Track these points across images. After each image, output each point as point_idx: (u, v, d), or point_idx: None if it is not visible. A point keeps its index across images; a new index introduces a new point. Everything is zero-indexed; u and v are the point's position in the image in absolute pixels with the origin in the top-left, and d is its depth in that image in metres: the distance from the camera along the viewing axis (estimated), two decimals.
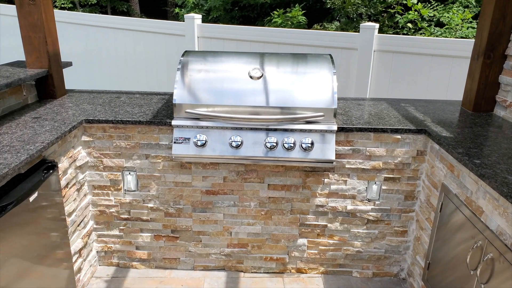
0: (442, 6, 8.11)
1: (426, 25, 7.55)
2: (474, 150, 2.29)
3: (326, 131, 2.69)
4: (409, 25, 7.61)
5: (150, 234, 3.08)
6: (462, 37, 7.16)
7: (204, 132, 2.73)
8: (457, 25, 7.72)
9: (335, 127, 2.69)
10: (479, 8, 8.47)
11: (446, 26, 7.71)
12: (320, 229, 3.02)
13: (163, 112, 2.94)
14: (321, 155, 2.70)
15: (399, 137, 2.74)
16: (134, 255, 3.15)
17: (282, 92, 2.73)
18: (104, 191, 2.97)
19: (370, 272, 3.12)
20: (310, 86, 2.74)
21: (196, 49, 5.84)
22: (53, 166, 2.33)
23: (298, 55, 2.97)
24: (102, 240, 3.11)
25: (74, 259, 2.74)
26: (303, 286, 3.04)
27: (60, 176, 2.51)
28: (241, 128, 2.72)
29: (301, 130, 2.70)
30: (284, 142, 2.69)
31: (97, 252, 3.14)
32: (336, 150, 2.77)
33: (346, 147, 2.79)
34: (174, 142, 2.73)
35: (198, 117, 2.73)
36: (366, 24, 4.70)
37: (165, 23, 6.12)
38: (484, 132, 2.62)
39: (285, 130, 2.71)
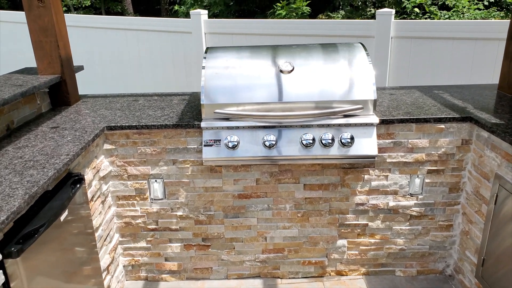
0: None
1: (434, 9, 7.37)
2: None
3: (366, 124, 2.51)
4: (416, 9, 7.43)
5: (179, 244, 2.91)
6: (470, 19, 6.98)
7: (235, 133, 2.55)
8: (464, 7, 7.55)
9: (376, 120, 2.51)
10: None
11: (454, 9, 7.54)
12: (361, 228, 2.85)
13: (188, 114, 2.75)
14: (363, 151, 2.52)
15: (443, 126, 2.57)
16: (163, 267, 2.98)
17: (315, 85, 2.55)
18: (129, 201, 2.79)
19: (414, 270, 2.96)
20: (345, 77, 2.56)
21: (204, 46, 5.64)
22: (80, 180, 2.15)
23: (327, 45, 2.79)
24: (129, 253, 2.93)
25: (103, 276, 2.56)
26: None
27: (86, 189, 2.32)
28: (274, 127, 2.54)
29: (339, 125, 2.53)
30: (321, 138, 2.51)
31: (123, 266, 2.96)
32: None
33: (387, 140, 2.62)
34: (204, 145, 2.55)
35: (228, 117, 2.55)
36: (382, 10, 4.51)
37: (170, 21, 5.92)
38: None
39: (322, 125, 2.53)
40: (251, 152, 2.53)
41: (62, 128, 2.51)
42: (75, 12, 14.26)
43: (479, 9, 7.49)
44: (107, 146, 2.64)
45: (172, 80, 6.24)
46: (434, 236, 2.86)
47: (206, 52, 2.77)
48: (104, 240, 2.63)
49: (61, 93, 2.93)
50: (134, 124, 2.57)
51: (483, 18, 7.03)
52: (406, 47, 4.50)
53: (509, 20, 3.98)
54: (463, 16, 7.25)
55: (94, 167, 2.48)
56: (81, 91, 3.24)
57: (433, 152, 2.64)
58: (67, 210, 1.96)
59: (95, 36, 6.94)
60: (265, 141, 2.52)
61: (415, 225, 2.83)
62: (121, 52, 6.66)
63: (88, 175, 2.38)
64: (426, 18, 7.65)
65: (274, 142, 2.51)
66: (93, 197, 2.45)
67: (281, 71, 2.58)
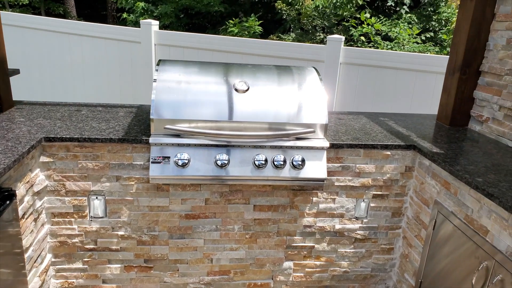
0: (389, 21, 8.46)
1: (378, 38, 7.81)
2: (471, 167, 2.26)
3: (317, 147, 2.55)
4: (362, 38, 7.82)
5: (119, 265, 2.73)
6: (410, 52, 7.48)
7: (186, 150, 2.46)
8: (404, 39, 8.09)
9: (327, 144, 2.55)
10: (421, 25, 8.99)
11: (395, 41, 8.05)
12: (307, 250, 2.86)
13: (135, 128, 2.62)
14: (313, 174, 2.54)
15: (389, 153, 2.67)
16: None
17: (270, 106, 2.55)
18: (66, 219, 2.58)
19: None
20: (298, 100, 2.58)
21: (153, 57, 5.49)
22: (10, 196, 1.94)
23: (282, 67, 2.82)
24: (62, 275, 2.70)
25: None
26: None
27: (17, 205, 2.11)
28: (227, 146, 2.49)
29: (291, 147, 2.53)
30: (274, 159, 2.50)
31: None
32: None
33: (335, 164, 2.67)
34: (152, 162, 2.43)
35: (179, 134, 2.46)
36: (332, 37, 4.69)
37: (119, 29, 5.69)
38: (470, 148, 2.63)
39: (274, 147, 2.52)
40: (202, 171, 2.46)
41: None
42: (10, 9, 13.35)
43: (417, 43, 8.06)
44: (44, 159, 2.43)
45: (117, 90, 5.99)
46: (376, 259, 2.94)
47: (158, 64, 2.68)
48: (34, 262, 2.39)
49: None
50: (76, 136, 2.40)
51: (420, 52, 7.56)
52: (353, 74, 4.69)
53: (446, 56, 4.30)
54: (403, 48, 7.74)
55: (28, 181, 2.27)
56: (15, 97, 2.98)
57: (378, 178, 2.73)
58: None
59: (34, 38, 6.49)
60: (217, 160, 2.46)
61: (359, 248, 2.89)
62: (63, 58, 6.28)
63: (20, 190, 2.16)
64: (370, 47, 8.08)
65: (226, 162, 2.46)
66: (24, 214, 2.23)
67: (236, 90, 2.56)
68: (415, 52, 7.43)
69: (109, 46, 5.80)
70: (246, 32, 7.35)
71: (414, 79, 4.45)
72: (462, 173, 2.17)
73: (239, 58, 5.14)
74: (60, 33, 6.15)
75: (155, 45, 5.47)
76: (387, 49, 7.62)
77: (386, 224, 2.86)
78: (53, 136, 2.38)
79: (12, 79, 2.89)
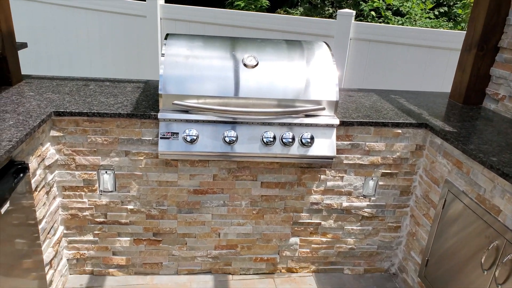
0: None
1: (389, 13, 7.62)
2: (485, 147, 2.23)
3: (327, 125, 2.52)
4: (373, 13, 7.64)
5: (129, 238, 2.77)
6: (421, 27, 7.31)
7: (194, 126, 2.45)
8: (416, 15, 7.88)
9: (337, 121, 2.52)
10: None
11: (407, 16, 7.85)
12: (314, 227, 2.88)
13: (143, 103, 2.61)
14: (322, 151, 2.53)
15: (400, 131, 2.64)
16: (111, 261, 2.83)
17: (279, 82, 2.51)
18: (77, 193, 2.61)
19: (362, 268, 3.05)
20: (309, 77, 2.54)
21: (159, 32, 5.41)
22: (23, 169, 1.96)
23: (293, 42, 2.76)
24: (74, 246, 2.75)
25: (46, 270, 2.38)
26: (295, 286, 2.90)
27: (30, 178, 2.13)
28: (235, 122, 2.48)
29: (300, 124, 2.51)
30: (282, 137, 2.49)
31: (67, 260, 2.78)
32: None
33: (345, 142, 2.65)
34: (161, 138, 2.43)
35: (187, 110, 2.45)
36: (343, 11, 4.57)
37: (124, 2, 5.59)
38: (484, 127, 2.59)
39: (283, 124, 2.50)
40: (210, 148, 2.46)
41: (2, 110, 2.28)
42: None
43: (430, 18, 7.86)
44: (54, 133, 2.44)
45: (123, 65, 5.94)
46: (382, 237, 2.96)
47: (166, 38, 2.63)
48: (48, 233, 2.44)
49: (1, 72, 2.66)
50: (85, 111, 2.39)
51: (432, 27, 7.38)
52: (363, 50, 4.60)
53: (460, 31, 4.20)
54: (415, 23, 7.56)
55: (39, 155, 2.29)
56: (23, 71, 2.97)
57: (388, 156, 2.71)
58: (8, 202, 1.78)
59: (40, 11, 6.41)
60: (225, 137, 2.45)
61: (366, 225, 2.91)
62: (69, 32, 6.21)
63: (32, 163, 2.18)
64: (380, 22, 7.89)
65: (234, 138, 2.45)
66: (37, 187, 2.26)
67: (245, 65, 2.52)
68: (427, 28, 7.25)
69: (115, 20, 5.72)
70: (252, 6, 7.20)
71: (426, 56, 4.35)
72: (476, 152, 2.15)
73: (246, 33, 5.05)
74: (66, 6, 6.07)
75: (160, 19, 5.38)
76: (398, 25, 7.45)
77: (394, 202, 2.86)
78: (62, 110, 2.38)
79: (20, 53, 2.87)
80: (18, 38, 2.89)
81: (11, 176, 1.83)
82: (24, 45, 3.05)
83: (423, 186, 2.72)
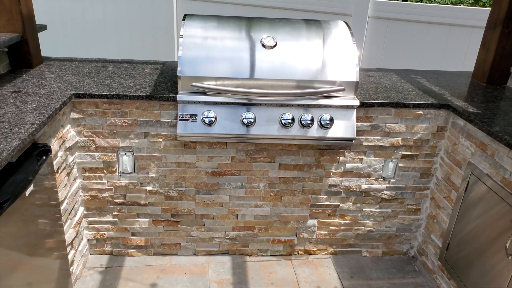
0: None
1: None
2: (511, 128, 2.17)
3: (347, 106, 2.48)
4: None
5: (148, 219, 2.81)
6: (452, 4, 7.08)
7: (213, 108, 2.44)
8: None
9: (357, 102, 2.48)
10: None
11: None
12: (332, 209, 2.87)
13: (162, 85, 2.60)
14: (341, 133, 2.50)
15: (421, 112, 2.59)
16: (130, 242, 2.88)
17: (298, 63, 2.47)
18: (96, 174, 2.64)
19: (380, 251, 3.04)
20: (328, 57, 2.49)
21: (175, 12, 5.36)
22: (46, 151, 1.98)
23: (311, 22, 2.70)
24: (94, 227, 2.81)
25: (67, 250, 2.43)
26: (313, 267, 2.91)
27: (52, 160, 2.16)
28: (253, 104, 2.46)
29: (319, 106, 2.48)
30: (301, 118, 2.46)
31: (88, 240, 2.84)
32: None
33: (365, 124, 2.61)
34: (180, 120, 2.43)
35: (206, 91, 2.43)
36: None
37: None
38: (510, 107, 2.52)
39: (302, 105, 2.47)
40: (229, 130, 2.44)
41: (25, 93, 2.30)
42: None
43: None
44: (74, 115, 2.45)
45: (139, 47, 5.93)
46: (402, 219, 2.93)
47: (184, 19, 2.60)
48: (69, 214, 2.48)
49: (22, 54, 2.67)
50: (104, 93, 2.40)
51: (452, 4, 7.14)
52: (382, 28, 4.48)
53: (482, 8, 4.05)
54: (435, 0, 7.32)
55: (60, 137, 2.31)
56: (42, 53, 2.98)
57: (408, 137, 2.66)
58: (32, 184, 1.81)
59: None
60: (243, 119, 2.43)
61: (385, 208, 2.88)
62: (85, 14, 6.19)
63: (54, 145, 2.20)
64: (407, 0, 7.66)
65: (252, 120, 2.43)
66: (58, 168, 2.29)
67: (263, 45, 2.48)
68: (447, 4, 7.02)
69: (130, 1, 5.67)
70: None
71: (447, 34, 4.22)
72: (501, 134, 2.09)
73: (263, 12, 4.96)
74: None
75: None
76: (417, 2, 7.22)
77: (414, 184, 2.82)
78: (82, 92, 2.39)
79: (39, 35, 2.88)
80: (39, 21, 2.89)
81: (34, 159, 1.85)
82: (43, 27, 3.04)
83: (445, 168, 2.67)
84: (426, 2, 7.20)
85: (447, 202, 2.64)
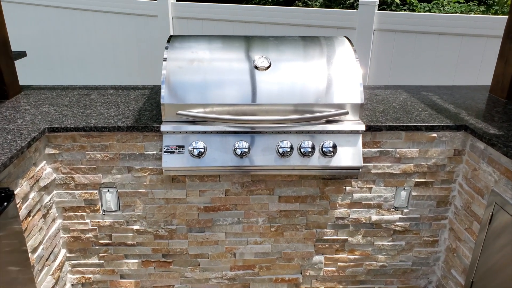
0: None
1: (414, 0, 7.15)
2: None
3: (351, 131, 2.22)
4: (397, 0, 7.19)
5: (137, 260, 2.55)
6: (450, 13, 6.81)
7: (202, 138, 2.19)
8: (445, 0, 7.38)
9: (362, 127, 2.21)
10: None
11: (434, 2, 7.35)
12: (340, 244, 2.58)
13: (147, 113, 2.37)
14: (346, 161, 2.23)
15: (435, 135, 2.31)
16: (119, 285, 2.62)
17: (295, 85, 2.22)
18: (78, 213, 2.40)
19: (395, 287, 2.74)
20: (329, 77, 2.24)
21: (171, 32, 5.19)
22: (8, 197, 1.74)
23: (308, 38, 2.46)
24: (78, 270, 2.56)
25: None
26: None
27: (19, 205, 1.92)
28: (247, 132, 2.21)
29: (321, 132, 2.22)
30: (300, 146, 2.20)
31: (72, 285, 2.59)
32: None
33: (372, 149, 2.34)
34: (165, 152, 2.19)
35: (193, 120, 2.19)
36: (365, 0, 4.21)
37: (133, 2, 5.38)
38: None
39: (301, 132, 2.21)
40: (220, 161, 2.19)
41: None
42: None
43: (459, 3, 7.34)
44: (49, 151, 2.23)
45: (135, 69, 5.75)
46: (417, 252, 2.63)
47: (168, 41, 2.38)
48: (46, 260, 2.24)
49: None
50: (81, 126, 2.17)
51: (462, 12, 6.88)
52: (389, 41, 4.23)
53: (495, 16, 3.77)
54: (443, 9, 7.07)
55: (32, 176, 2.08)
56: (24, 81, 2.79)
57: (422, 163, 2.38)
58: None
59: (41, 15, 6.24)
60: (236, 149, 2.18)
61: (399, 240, 2.59)
62: (78, 36, 6.05)
63: (22, 187, 1.97)
64: (405, 10, 7.43)
65: (246, 150, 2.18)
66: (30, 212, 2.05)
67: (256, 67, 2.24)
68: (457, 13, 6.75)
69: (125, 22, 5.52)
70: (269, 0, 6.88)
71: (459, 45, 3.95)
72: None
73: (262, 29, 4.76)
74: (71, 9, 5.90)
75: (172, 18, 5.15)
76: (424, 12, 6.98)
77: (430, 214, 2.52)
78: (57, 126, 2.16)
79: (20, 63, 2.69)
80: (19, 47, 2.71)
81: None
82: (22, 54, 2.87)
83: (464, 196, 2.38)
84: (434, 12, 6.95)
85: (469, 235, 2.34)
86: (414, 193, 2.46)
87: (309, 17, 4.53)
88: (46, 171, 2.23)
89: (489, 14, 6.62)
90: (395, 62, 4.23)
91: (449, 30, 3.89)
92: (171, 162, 2.19)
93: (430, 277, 2.72)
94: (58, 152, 2.24)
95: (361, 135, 2.24)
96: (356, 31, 4.27)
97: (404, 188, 2.45)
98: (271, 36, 2.48)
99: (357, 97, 2.20)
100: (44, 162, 2.22)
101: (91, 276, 2.58)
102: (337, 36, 2.47)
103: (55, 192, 2.33)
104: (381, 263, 2.65)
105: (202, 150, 2.17)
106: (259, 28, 4.71)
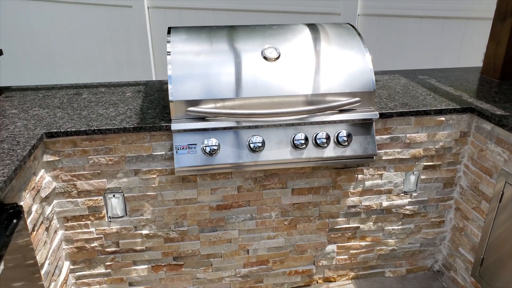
0: None
1: None
2: None
3: (365, 119, 2.19)
4: None
5: (146, 266, 2.44)
6: None
7: (214, 135, 2.10)
8: None
9: (376, 114, 2.20)
10: None
11: None
12: (352, 231, 2.58)
13: (150, 112, 2.24)
14: (361, 150, 2.21)
15: (443, 118, 2.33)
16: None
17: (306, 75, 2.16)
18: (81, 222, 2.25)
19: (404, 269, 2.78)
20: (339, 66, 2.20)
21: (147, 23, 4.95)
22: (17, 213, 1.59)
23: (313, 26, 2.40)
24: (83, 282, 2.41)
25: None
26: None
27: (26, 220, 1.76)
28: (260, 126, 2.13)
29: (335, 122, 2.18)
30: (316, 137, 2.15)
31: None
32: None
33: (384, 136, 2.33)
34: (177, 152, 2.07)
35: (204, 117, 2.09)
36: None
37: None
38: None
39: (315, 123, 2.16)
40: (234, 158, 2.11)
41: None
42: None
43: None
44: (48, 158, 2.05)
45: (110, 61, 5.47)
46: (425, 234, 2.68)
47: (169, 33, 2.25)
48: (52, 275, 2.09)
49: None
50: (82, 129, 2.01)
51: None
52: (373, 26, 4.24)
53: None
54: None
55: (33, 187, 1.91)
56: (1, 82, 2.55)
57: (430, 147, 2.41)
58: (2, 263, 1.42)
59: (11, 8, 5.84)
60: (250, 144, 2.11)
61: (408, 223, 2.62)
62: (48, 30, 5.67)
63: (26, 200, 1.81)
64: None
65: (261, 145, 2.11)
66: (34, 226, 1.89)
67: (265, 58, 2.16)
68: None
69: (98, 13, 5.20)
70: None
71: (441, 28, 4.02)
72: None
73: (245, 16, 4.63)
74: (42, 1, 5.50)
75: (148, 8, 4.91)
76: None
77: (437, 196, 2.57)
78: (55, 130, 1.99)
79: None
80: None
81: (1, 226, 1.46)
82: None
83: (470, 176, 2.43)
84: None
85: (477, 213, 2.40)
86: (422, 177, 2.49)
87: (294, 3, 4.45)
88: (45, 180, 2.06)
89: None
90: (379, 46, 4.25)
91: (431, 13, 3.94)
92: (183, 161, 2.08)
93: (436, 256, 2.79)
94: (57, 158, 2.07)
95: (374, 122, 2.22)
96: (341, 16, 4.25)
97: (413, 173, 2.47)
98: (274, 24, 2.39)
99: (369, 84, 2.18)
100: (43, 170, 2.05)
101: (97, 287, 2.44)
102: (341, 24, 2.43)
103: (55, 201, 2.17)
104: (391, 247, 2.68)
105: (215, 148, 2.08)
106: (243, 16, 4.59)
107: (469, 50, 3.93)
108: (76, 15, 5.36)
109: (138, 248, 2.37)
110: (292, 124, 2.15)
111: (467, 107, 2.32)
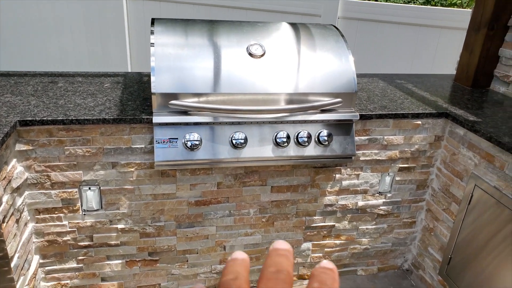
0: None
1: None
2: None
3: (346, 120, 2.23)
4: None
5: (120, 261, 2.38)
6: (424, 4, 7.13)
7: (196, 130, 2.08)
8: None
9: (357, 115, 2.24)
10: None
11: None
12: (327, 230, 2.62)
13: (130, 104, 2.19)
14: (341, 150, 2.25)
15: (420, 122, 2.41)
16: None
17: (291, 74, 2.18)
18: (54, 215, 2.17)
19: (375, 267, 2.86)
20: (322, 66, 2.23)
21: (125, 14, 4.84)
22: None
23: (298, 26, 2.42)
24: (53, 277, 2.33)
25: None
26: None
27: None
28: (244, 123, 2.13)
29: (316, 121, 2.21)
30: (298, 136, 2.17)
31: None
32: None
33: (362, 137, 2.38)
34: (157, 146, 2.04)
35: (187, 110, 2.06)
36: None
37: None
38: (507, 114, 2.41)
39: (298, 121, 2.18)
40: (216, 154, 2.10)
41: None
42: None
43: None
44: (20, 147, 1.97)
45: (84, 52, 5.30)
46: (397, 234, 2.76)
47: (153, 24, 2.20)
48: (21, 269, 2.00)
49: None
50: (60, 118, 1.94)
51: (404, 3, 7.21)
52: (352, 29, 4.32)
53: (451, 9, 4.01)
54: (405, 1, 7.34)
55: (5, 177, 1.83)
56: None
57: (406, 149, 2.48)
58: None
59: None
60: (233, 140, 2.10)
61: (381, 223, 2.69)
62: (18, 18, 5.42)
63: None
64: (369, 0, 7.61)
65: (243, 141, 2.11)
66: (4, 217, 1.81)
67: (250, 54, 2.15)
68: (418, 5, 7.07)
69: (73, 2, 5.03)
70: None
71: (417, 35, 4.15)
72: None
73: (225, 13, 4.60)
74: None
75: None
76: (386, 2, 7.22)
77: (410, 197, 2.65)
78: (30, 119, 1.92)
79: None
80: None
81: None
82: None
83: (442, 179, 2.52)
84: (398, 3, 7.21)
85: (447, 215, 2.49)
86: (397, 178, 2.56)
87: (275, 2, 4.46)
88: (17, 170, 1.98)
89: (430, 6, 7.02)
90: (358, 49, 4.34)
91: (408, 20, 4.06)
92: (163, 155, 2.05)
93: (406, 255, 2.88)
94: (31, 148, 1.99)
95: (354, 123, 2.26)
96: (321, 18, 4.29)
97: (388, 174, 2.54)
98: (259, 22, 2.39)
99: (351, 86, 2.22)
100: (15, 160, 1.97)
101: (68, 281, 2.36)
102: (325, 25, 2.46)
103: (27, 193, 2.08)
104: (364, 246, 2.75)
105: (197, 143, 2.06)
106: (223, 12, 4.56)
107: (443, 58, 4.08)
108: (49, 4, 5.16)
109: (112, 242, 2.32)
110: (275, 122, 2.16)
111: (442, 112, 2.40)
